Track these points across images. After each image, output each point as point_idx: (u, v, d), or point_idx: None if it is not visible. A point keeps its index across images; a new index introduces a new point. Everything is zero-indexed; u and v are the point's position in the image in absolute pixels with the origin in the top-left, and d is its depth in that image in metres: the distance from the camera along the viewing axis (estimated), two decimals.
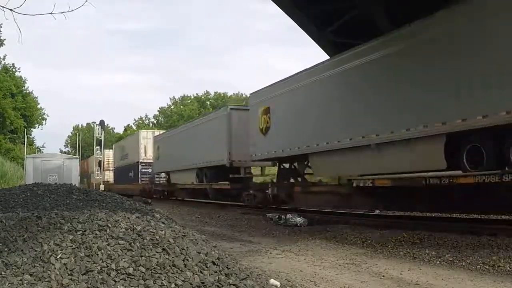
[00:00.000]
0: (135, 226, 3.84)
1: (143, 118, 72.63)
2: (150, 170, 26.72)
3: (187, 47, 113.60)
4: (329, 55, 13.02)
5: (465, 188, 7.55)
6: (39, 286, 2.90)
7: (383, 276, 5.19)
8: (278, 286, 4.12)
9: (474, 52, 7.14)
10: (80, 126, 74.65)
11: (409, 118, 8.35)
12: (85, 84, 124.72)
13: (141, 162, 27.73)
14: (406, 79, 8.55)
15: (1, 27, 29.31)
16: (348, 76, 10.16)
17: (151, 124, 69.96)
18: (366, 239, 7.64)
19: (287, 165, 13.74)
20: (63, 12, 4.82)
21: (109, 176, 37.47)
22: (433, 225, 8.42)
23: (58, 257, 3.21)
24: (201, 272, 3.31)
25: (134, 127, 70.00)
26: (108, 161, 37.64)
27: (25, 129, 44.47)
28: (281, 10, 13.76)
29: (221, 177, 16.94)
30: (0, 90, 40.61)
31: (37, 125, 51.87)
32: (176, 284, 3.07)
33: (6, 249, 3.48)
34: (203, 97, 69.24)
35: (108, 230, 3.67)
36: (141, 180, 27.17)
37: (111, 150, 39.14)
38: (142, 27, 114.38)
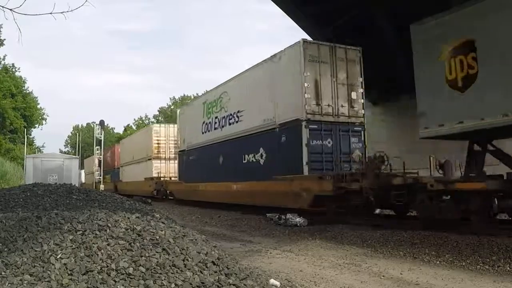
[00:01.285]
0: (135, 226, 3.84)
1: (143, 118, 72.78)
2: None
3: (187, 47, 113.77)
4: None
5: None
6: (39, 286, 2.90)
7: (383, 276, 5.19)
8: (278, 286, 4.11)
9: None
10: (80, 126, 74.71)
11: None
12: (85, 84, 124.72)
13: (310, 123, 11.00)
14: None
15: (1, 27, 29.31)
16: None
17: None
18: (366, 239, 7.63)
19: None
20: (63, 12, 4.82)
21: (161, 168, 22.57)
22: (433, 225, 8.41)
23: (58, 257, 3.21)
24: (201, 272, 3.31)
25: (134, 127, 70.08)
26: (158, 143, 22.94)
27: (25, 129, 44.42)
28: (281, 10, 13.81)
29: None
30: (0, 90, 40.61)
31: (37, 125, 51.93)
32: (176, 284, 3.07)
33: (6, 249, 3.48)
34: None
35: (108, 230, 3.67)
36: (311, 169, 10.84)
37: (164, 126, 23.99)
38: (142, 27, 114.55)
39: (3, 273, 3.06)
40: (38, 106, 51.35)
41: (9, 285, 2.91)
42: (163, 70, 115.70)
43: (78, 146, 50.00)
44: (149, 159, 23.34)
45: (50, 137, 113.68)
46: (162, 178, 21.82)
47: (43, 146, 56.84)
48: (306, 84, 11.01)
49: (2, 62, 43.23)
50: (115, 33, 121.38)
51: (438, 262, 5.91)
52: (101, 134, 36.35)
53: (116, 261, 3.20)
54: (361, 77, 11.65)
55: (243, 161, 13.42)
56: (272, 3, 13.50)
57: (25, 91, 47.95)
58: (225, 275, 3.39)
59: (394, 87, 14.37)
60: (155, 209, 6.89)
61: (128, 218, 4.10)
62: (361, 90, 11.68)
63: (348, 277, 5.19)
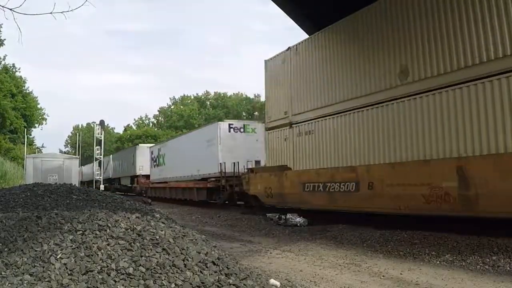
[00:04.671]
0: (135, 226, 3.84)
1: (143, 118, 72.81)
2: None
3: (187, 47, 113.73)
4: None
5: None
6: (39, 286, 2.89)
7: (383, 276, 5.19)
8: (278, 286, 4.11)
9: None
10: (80, 126, 74.78)
11: None
12: (85, 84, 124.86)
13: None
14: None
15: (1, 27, 29.29)
16: None
17: (151, 124, 70.11)
18: (366, 239, 7.63)
19: None
20: (63, 12, 4.84)
21: None
22: (433, 225, 8.41)
23: (58, 257, 3.21)
24: (201, 272, 3.31)
25: (134, 127, 70.11)
26: None
27: (25, 129, 44.36)
28: (281, 11, 13.80)
29: None
30: (0, 91, 40.56)
31: (37, 125, 51.90)
32: (176, 284, 3.07)
33: (6, 249, 3.47)
34: (203, 97, 69.33)
35: (108, 230, 3.67)
36: None
37: None
38: (142, 27, 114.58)
39: (3, 273, 3.05)
40: (38, 106, 51.38)
41: (9, 285, 2.91)
42: (163, 70, 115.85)
43: (78, 146, 49.95)
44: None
45: (50, 137, 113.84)
46: None
47: (43, 146, 56.94)
48: None
49: (2, 62, 43.25)
50: (115, 33, 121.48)
51: (438, 262, 5.90)
52: (101, 134, 36.33)
53: (116, 261, 3.20)
54: None
55: None
56: (273, 3, 13.50)
57: (25, 91, 47.93)
58: (225, 275, 3.39)
59: None
60: (155, 209, 6.88)
61: (128, 218, 4.09)
62: None
63: (348, 277, 5.19)
